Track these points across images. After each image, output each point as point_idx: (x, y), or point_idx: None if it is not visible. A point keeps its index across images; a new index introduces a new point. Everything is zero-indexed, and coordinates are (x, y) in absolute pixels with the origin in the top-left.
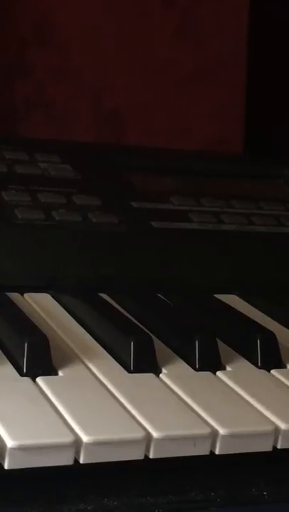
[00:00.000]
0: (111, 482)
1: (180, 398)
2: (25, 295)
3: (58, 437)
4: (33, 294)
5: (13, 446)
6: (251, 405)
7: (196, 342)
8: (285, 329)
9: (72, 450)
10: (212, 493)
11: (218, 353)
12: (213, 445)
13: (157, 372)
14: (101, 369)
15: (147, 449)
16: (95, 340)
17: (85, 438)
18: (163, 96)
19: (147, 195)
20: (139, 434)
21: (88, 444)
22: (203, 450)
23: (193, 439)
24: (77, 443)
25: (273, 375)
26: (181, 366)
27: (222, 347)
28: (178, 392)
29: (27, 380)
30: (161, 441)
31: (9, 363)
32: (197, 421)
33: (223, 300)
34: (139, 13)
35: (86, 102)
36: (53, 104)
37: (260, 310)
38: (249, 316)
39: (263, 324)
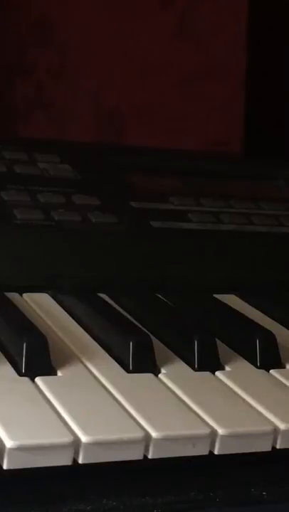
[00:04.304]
0: (111, 482)
1: (179, 398)
2: (24, 295)
3: (57, 437)
4: (31, 294)
5: (13, 447)
6: (250, 405)
7: (196, 342)
8: (284, 329)
9: (71, 450)
10: (212, 493)
11: (218, 353)
12: (213, 445)
13: (156, 372)
14: (100, 369)
15: (146, 449)
16: (94, 340)
17: (84, 438)
18: (163, 96)
19: (147, 195)
20: (138, 434)
21: (87, 444)
22: (202, 450)
23: (193, 439)
24: (76, 443)
25: (272, 375)
26: (181, 366)
27: (221, 347)
28: (177, 392)
29: (26, 380)
30: (161, 441)
31: (8, 363)
32: (196, 421)
33: (223, 300)
34: (138, 13)
35: (86, 102)
36: (53, 104)
37: (259, 310)
38: (249, 316)
39: (262, 324)
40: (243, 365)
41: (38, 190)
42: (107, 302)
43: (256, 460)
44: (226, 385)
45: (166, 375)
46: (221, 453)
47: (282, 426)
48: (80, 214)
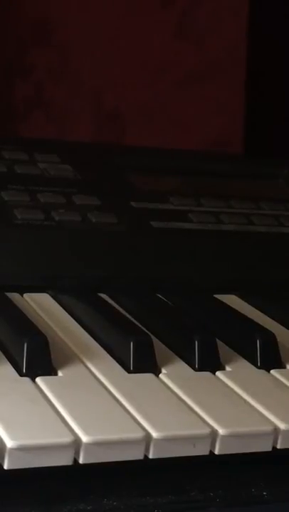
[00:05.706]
0: (111, 482)
1: (180, 398)
2: (24, 295)
3: (58, 437)
4: (32, 294)
5: (13, 447)
6: (251, 405)
7: (196, 342)
8: (285, 329)
9: (72, 450)
10: (212, 493)
11: (218, 353)
12: (213, 445)
13: (157, 372)
14: (101, 369)
15: (147, 449)
16: (95, 340)
17: (84, 438)
18: (163, 96)
19: (147, 195)
20: (139, 435)
21: (88, 444)
22: (202, 450)
23: (193, 439)
24: (76, 443)
25: (273, 376)
26: (181, 366)
27: (222, 347)
28: (177, 392)
29: (27, 380)
30: (161, 441)
31: (9, 363)
32: (197, 421)
33: (223, 300)
34: (139, 13)
35: (86, 102)
36: (53, 104)
37: (260, 310)
38: (249, 316)
39: (262, 324)
40: (243, 365)
41: (38, 190)
42: (107, 302)
43: (257, 460)
44: (226, 385)
45: (167, 375)
46: (222, 453)
47: (282, 426)
48: (80, 214)
